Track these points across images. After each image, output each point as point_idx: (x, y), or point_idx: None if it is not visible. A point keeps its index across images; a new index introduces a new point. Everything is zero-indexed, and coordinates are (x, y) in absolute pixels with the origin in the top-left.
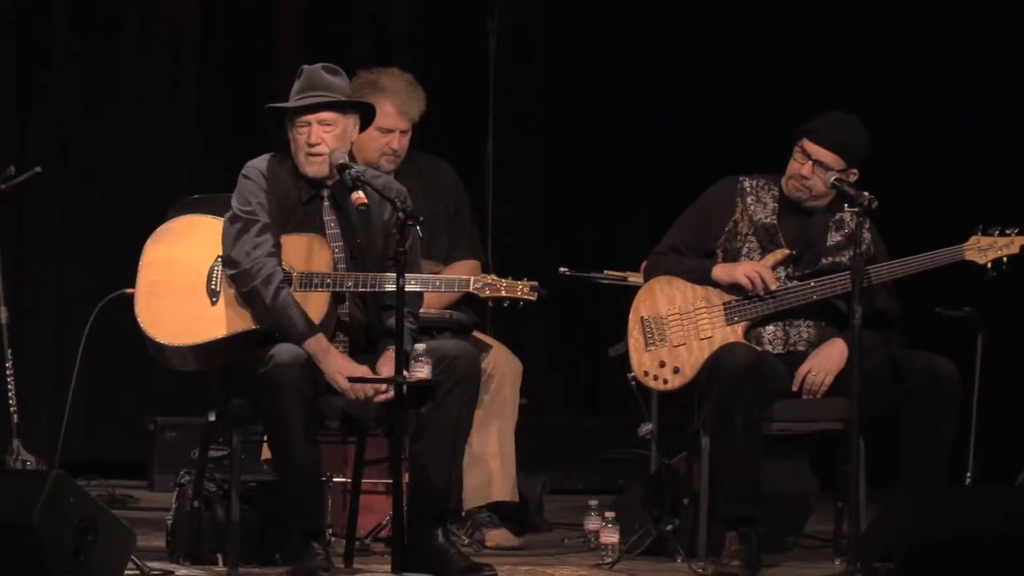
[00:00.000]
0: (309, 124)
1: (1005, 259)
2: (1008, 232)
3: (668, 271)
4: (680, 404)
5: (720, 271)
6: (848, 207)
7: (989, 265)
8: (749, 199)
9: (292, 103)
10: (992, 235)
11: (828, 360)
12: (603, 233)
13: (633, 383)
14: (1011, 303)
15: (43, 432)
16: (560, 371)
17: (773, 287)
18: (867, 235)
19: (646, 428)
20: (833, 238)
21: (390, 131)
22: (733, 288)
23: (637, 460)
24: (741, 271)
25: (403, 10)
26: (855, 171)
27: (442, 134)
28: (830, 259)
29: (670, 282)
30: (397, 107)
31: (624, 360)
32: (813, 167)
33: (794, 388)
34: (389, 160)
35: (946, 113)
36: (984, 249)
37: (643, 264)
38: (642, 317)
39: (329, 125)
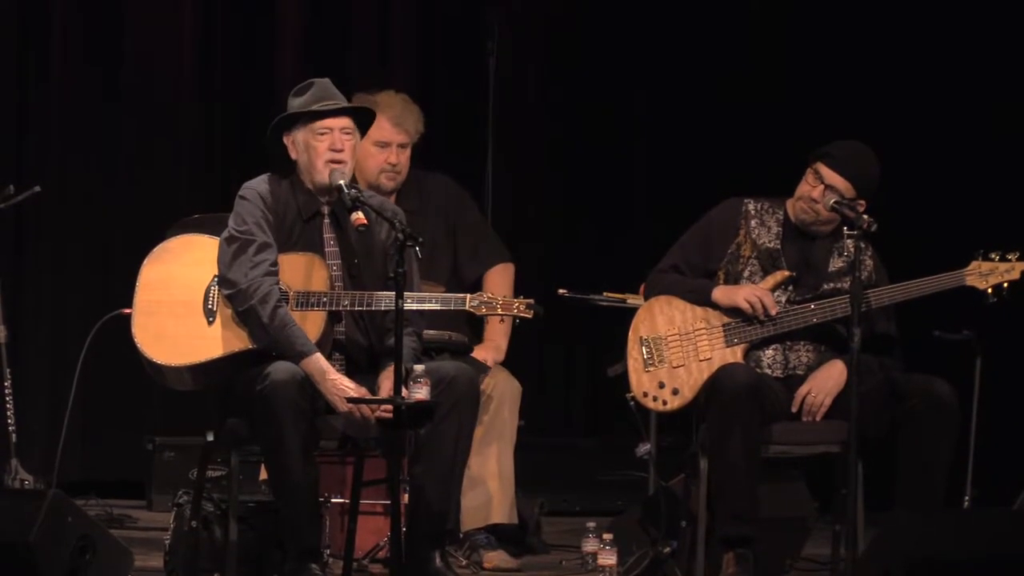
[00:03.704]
0: (331, 130)
1: (1006, 284)
2: (1009, 257)
3: (668, 290)
4: (678, 427)
5: (720, 294)
6: (847, 230)
7: (990, 291)
8: (753, 222)
9: (315, 107)
10: (993, 260)
11: (827, 381)
12: (602, 255)
13: (632, 404)
14: (1009, 327)
15: (41, 451)
16: (558, 393)
17: (773, 312)
18: (869, 261)
19: (644, 448)
20: (835, 264)
21: (387, 144)
22: (733, 311)
23: (635, 482)
24: (742, 295)
25: (403, 29)
26: (863, 202)
27: (442, 153)
28: (832, 285)
29: (670, 302)
30: (392, 119)
31: (623, 380)
32: (824, 191)
33: (793, 409)
34: (389, 177)
35: (945, 136)
36: (985, 274)
37: (643, 285)
38: (641, 337)
39: (349, 133)
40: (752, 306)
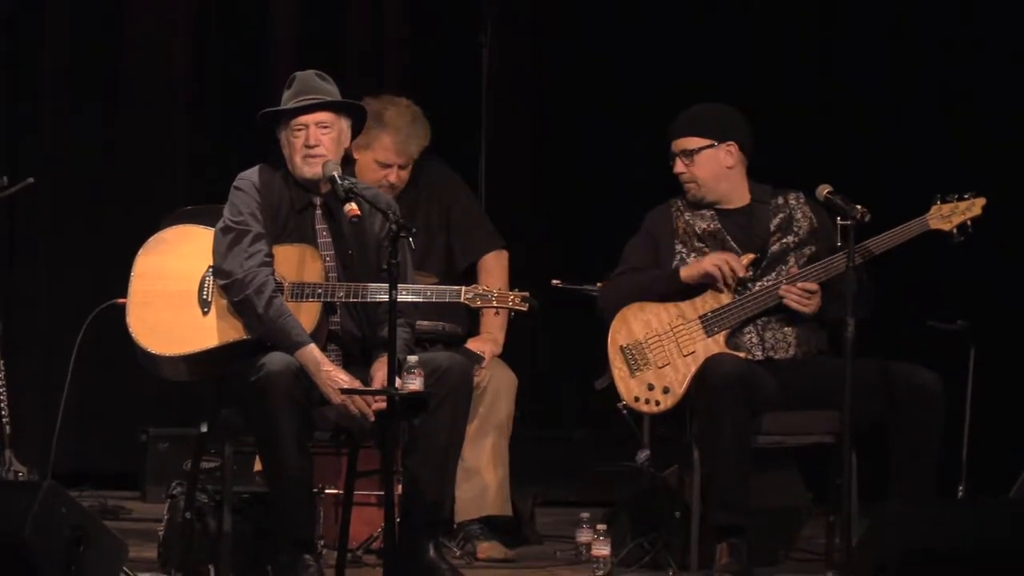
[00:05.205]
0: (306, 126)
1: (969, 222)
2: (966, 196)
3: (631, 287)
4: (670, 424)
5: (686, 270)
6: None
7: (955, 231)
8: (687, 215)
9: (289, 105)
10: (951, 201)
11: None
12: (596, 245)
13: (624, 411)
14: (1003, 316)
15: (35, 442)
16: (552, 384)
17: (742, 274)
18: (812, 218)
19: (643, 455)
20: (773, 222)
21: (388, 166)
22: (703, 283)
23: (629, 473)
24: (708, 261)
25: (396, 25)
26: (732, 143)
27: (434, 146)
28: (777, 243)
29: (642, 307)
30: (395, 143)
31: (612, 390)
32: (680, 160)
33: (783, 288)
34: (385, 192)
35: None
36: (947, 216)
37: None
38: (621, 346)
39: (326, 127)
40: (720, 268)
